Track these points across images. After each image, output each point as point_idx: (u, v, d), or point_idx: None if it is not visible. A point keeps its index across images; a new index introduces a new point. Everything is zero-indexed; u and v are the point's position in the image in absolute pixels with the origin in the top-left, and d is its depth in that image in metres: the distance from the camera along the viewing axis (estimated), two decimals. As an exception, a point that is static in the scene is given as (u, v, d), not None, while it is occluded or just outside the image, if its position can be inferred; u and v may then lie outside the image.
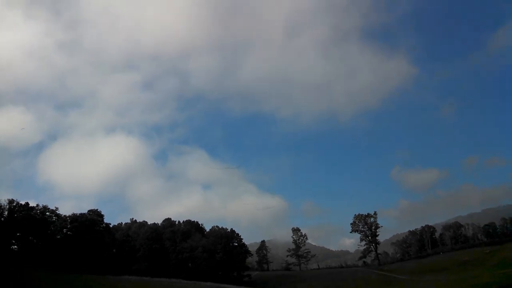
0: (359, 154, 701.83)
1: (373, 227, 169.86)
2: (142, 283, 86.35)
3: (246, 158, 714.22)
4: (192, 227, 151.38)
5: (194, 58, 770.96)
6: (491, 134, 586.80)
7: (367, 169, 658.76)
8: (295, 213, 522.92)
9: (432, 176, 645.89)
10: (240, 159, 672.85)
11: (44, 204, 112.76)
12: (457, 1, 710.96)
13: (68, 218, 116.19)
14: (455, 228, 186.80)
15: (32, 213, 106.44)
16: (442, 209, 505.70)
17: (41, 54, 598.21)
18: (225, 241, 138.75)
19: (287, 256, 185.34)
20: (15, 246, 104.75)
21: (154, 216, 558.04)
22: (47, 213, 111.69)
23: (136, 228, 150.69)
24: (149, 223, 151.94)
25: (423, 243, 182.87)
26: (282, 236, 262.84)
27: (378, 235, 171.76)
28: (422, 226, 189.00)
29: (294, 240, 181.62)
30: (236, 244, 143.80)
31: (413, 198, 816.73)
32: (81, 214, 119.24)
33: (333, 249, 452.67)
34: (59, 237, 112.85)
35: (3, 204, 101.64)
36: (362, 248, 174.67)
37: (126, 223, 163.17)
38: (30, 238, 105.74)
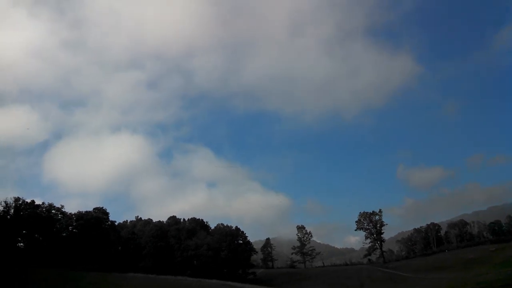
0: (363, 152, 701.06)
1: (378, 225, 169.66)
2: (147, 280, 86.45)
3: (250, 156, 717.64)
4: (197, 225, 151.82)
5: (198, 57, 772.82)
6: (496, 132, 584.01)
7: (371, 167, 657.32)
8: (299, 211, 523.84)
9: (436, 174, 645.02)
10: (244, 157, 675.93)
11: (50, 202, 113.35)
12: (461, 0, 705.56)
13: (73, 216, 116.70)
14: (460, 226, 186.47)
15: (38, 211, 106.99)
16: (447, 207, 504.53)
17: (46, 53, 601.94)
18: (230, 239, 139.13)
19: (292, 253, 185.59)
20: (21, 244, 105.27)
21: (159, 214, 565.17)
22: (53, 211, 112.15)
23: (141, 226, 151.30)
24: (154, 221, 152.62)
25: (428, 241, 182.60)
26: (286, 233, 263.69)
27: (383, 232, 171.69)
28: (427, 224, 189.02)
29: (298, 237, 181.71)
30: (241, 241, 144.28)
31: (418, 196, 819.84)
32: (86, 212, 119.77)
33: (338, 247, 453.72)
34: (64, 234, 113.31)
35: (9, 202, 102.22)
36: (367, 245, 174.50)
37: (131, 221, 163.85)
38: (36, 235, 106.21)
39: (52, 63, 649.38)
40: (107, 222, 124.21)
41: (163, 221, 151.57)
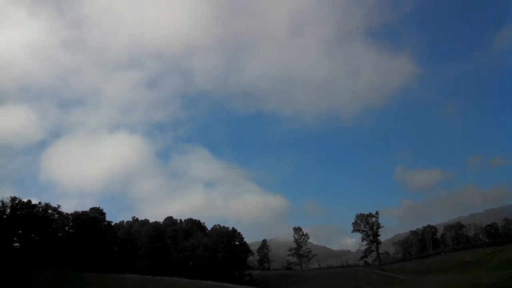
0: (361, 153, 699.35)
1: (375, 227, 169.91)
2: (143, 281, 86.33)
3: (249, 157, 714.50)
4: (193, 226, 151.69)
5: (197, 57, 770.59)
6: (494, 134, 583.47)
7: (369, 168, 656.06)
8: (296, 212, 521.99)
9: (434, 176, 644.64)
10: (242, 157, 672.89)
11: (46, 202, 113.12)
12: (461, 0, 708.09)
13: (70, 216, 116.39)
14: (456, 228, 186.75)
15: (34, 210, 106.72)
16: (444, 209, 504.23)
17: (45, 52, 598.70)
18: (227, 240, 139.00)
19: (288, 255, 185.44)
20: (17, 244, 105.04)
21: (156, 214, 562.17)
22: (49, 211, 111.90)
23: (138, 226, 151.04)
24: (151, 222, 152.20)
25: (424, 243, 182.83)
26: (283, 235, 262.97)
27: (380, 235, 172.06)
28: (423, 226, 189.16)
29: (295, 239, 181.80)
30: (238, 243, 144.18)
31: (415, 198, 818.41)
32: (83, 212, 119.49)
33: (335, 249, 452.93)
34: (60, 234, 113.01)
35: (5, 202, 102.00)
36: (363, 247, 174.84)
37: (128, 221, 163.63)
38: (32, 235, 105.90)
39: (52, 62, 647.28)
40: (104, 222, 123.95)
41: (159, 222, 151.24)
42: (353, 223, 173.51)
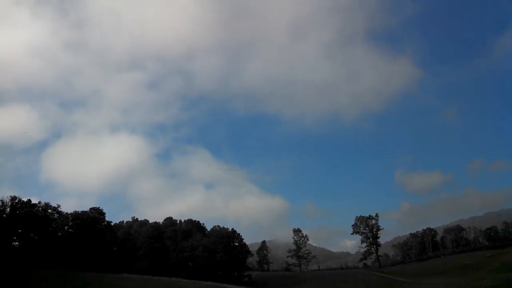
0: (362, 156, 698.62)
1: (375, 229, 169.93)
2: (142, 281, 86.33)
3: (249, 159, 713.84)
4: (193, 227, 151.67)
5: (198, 59, 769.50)
6: (494, 138, 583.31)
7: (369, 171, 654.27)
8: (296, 214, 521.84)
9: (434, 179, 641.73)
10: (242, 159, 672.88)
11: (46, 202, 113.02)
12: (463, 4, 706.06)
13: (69, 216, 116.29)
14: (456, 231, 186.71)
15: (34, 210, 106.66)
16: (443, 212, 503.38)
17: (47, 53, 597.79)
18: (226, 241, 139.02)
19: (288, 256, 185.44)
20: (17, 243, 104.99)
21: (155, 214, 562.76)
22: (49, 210, 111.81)
23: (138, 226, 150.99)
24: (150, 222, 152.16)
25: (424, 245, 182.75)
26: (283, 236, 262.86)
27: (379, 237, 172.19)
28: (423, 229, 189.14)
29: (295, 241, 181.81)
30: (237, 244, 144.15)
31: (415, 201, 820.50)
32: (82, 212, 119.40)
33: (334, 251, 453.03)
34: (60, 234, 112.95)
35: (5, 201, 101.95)
36: (363, 250, 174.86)
37: (127, 222, 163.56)
38: (32, 235, 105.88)
39: (53, 63, 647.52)
40: (103, 222, 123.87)
41: (159, 222, 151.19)
42: (352, 225, 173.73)
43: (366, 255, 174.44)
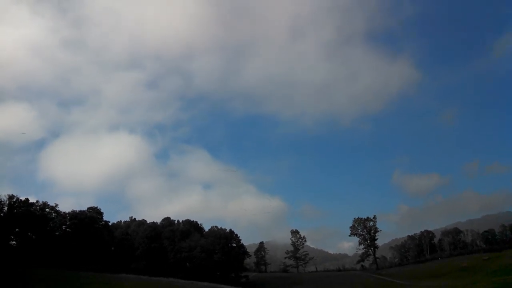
0: (359, 158, 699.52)
1: (372, 231, 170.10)
2: (140, 281, 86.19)
3: (247, 159, 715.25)
4: (191, 227, 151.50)
5: (197, 58, 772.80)
6: (492, 140, 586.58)
7: (367, 172, 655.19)
8: (294, 215, 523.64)
9: (432, 181, 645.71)
10: (241, 159, 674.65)
11: (44, 201, 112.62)
12: (462, 5, 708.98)
13: (67, 215, 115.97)
14: (454, 234, 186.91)
15: (31, 209, 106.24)
16: (441, 214, 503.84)
17: (46, 52, 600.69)
18: (224, 242, 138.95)
19: (285, 258, 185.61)
20: (14, 242, 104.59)
21: (153, 214, 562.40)
22: (47, 210, 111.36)
23: (135, 226, 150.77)
24: (148, 222, 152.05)
25: (421, 248, 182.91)
26: (281, 238, 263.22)
27: (377, 239, 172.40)
28: (421, 231, 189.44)
29: (292, 242, 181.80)
30: (235, 244, 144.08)
31: (413, 203, 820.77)
32: (80, 211, 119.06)
33: (332, 252, 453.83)
34: (58, 233, 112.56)
35: (3, 200, 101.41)
36: (360, 251, 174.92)
37: (125, 221, 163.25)
38: (29, 234, 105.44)
39: (52, 62, 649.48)
40: (101, 222, 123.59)
41: (157, 222, 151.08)
42: (350, 227, 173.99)
43: (363, 257, 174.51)
